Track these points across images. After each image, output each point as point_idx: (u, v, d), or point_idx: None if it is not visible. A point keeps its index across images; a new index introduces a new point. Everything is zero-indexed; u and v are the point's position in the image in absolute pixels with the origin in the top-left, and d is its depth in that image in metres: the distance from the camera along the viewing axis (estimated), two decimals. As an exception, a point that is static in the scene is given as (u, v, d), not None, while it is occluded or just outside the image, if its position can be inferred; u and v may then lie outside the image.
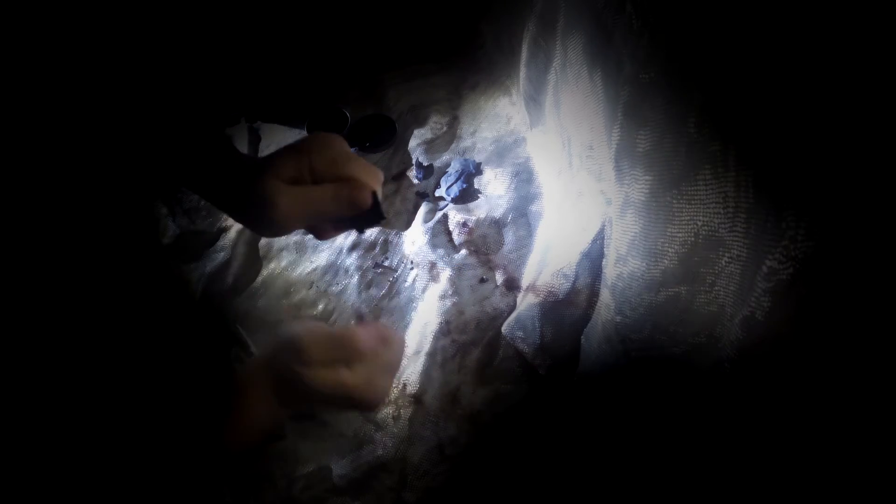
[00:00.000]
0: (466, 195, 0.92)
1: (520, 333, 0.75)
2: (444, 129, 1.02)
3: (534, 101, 0.88)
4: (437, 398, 0.75)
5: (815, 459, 0.39)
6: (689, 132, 0.44)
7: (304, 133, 1.03)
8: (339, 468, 0.73)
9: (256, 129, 1.09)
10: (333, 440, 0.75)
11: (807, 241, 0.35)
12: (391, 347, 0.44)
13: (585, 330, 0.70)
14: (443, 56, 1.11)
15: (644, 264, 0.53)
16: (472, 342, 0.79)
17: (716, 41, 0.40)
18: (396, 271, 0.87)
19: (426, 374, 0.76)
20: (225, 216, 0.97)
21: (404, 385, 0.76)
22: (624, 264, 0.56)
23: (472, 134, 1.01)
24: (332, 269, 0.89)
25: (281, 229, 0.43)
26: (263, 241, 0.94)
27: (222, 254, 0.91)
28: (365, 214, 0.43)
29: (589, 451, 0.66)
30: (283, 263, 0.91)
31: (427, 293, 0.84)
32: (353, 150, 1.01)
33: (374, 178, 0.43)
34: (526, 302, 0.76)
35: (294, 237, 0.93)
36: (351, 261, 0.89)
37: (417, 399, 0.75)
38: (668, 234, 0.49)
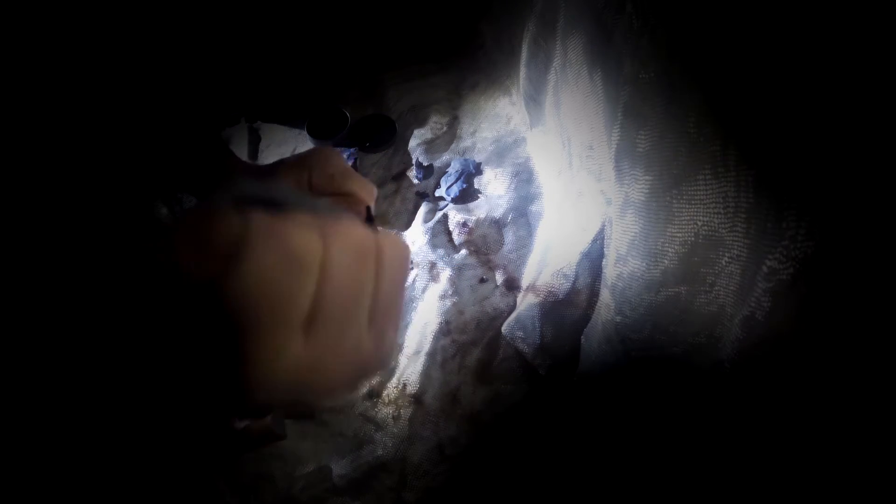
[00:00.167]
0: (466, 195, 0.92)
1: (520, 333, 0.75)
2: (444, 129, 1.02)
3: (534, 101, 0.88)
4: (437, 398, 0.75)
5: (815, 459, 0.39)
6: (689, 132, 0.44)
7: (304, 133, 1.03)
8: (339, 468, 0.73)
9: (256, 129, 1.09)
10: (333, 440, 0.75)
11: (807, 241, 0.35)
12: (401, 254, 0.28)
13: (585, 330, 0.70)
14: (443, 56, 1.11)
15: (644, 264, 0.53)
16: (472, 342, 0.79)
17: (716, 41, 0.40)
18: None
19: (426, 374, 0.76)
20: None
21: (404, 385, 0.76)
22: (624, 264, 0.56)
23: (472, 134, 1.01)
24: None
25: None
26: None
27: (222, 254, 0.91)
28: None
29: (589, 451, 0.66)
30: (283, 263, 0.91)
31: (427, 293, 0.84)
32: (353, 149, 1.01)
33: (368, 194, 0.45)
34: (526, 302, 0.76)
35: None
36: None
37: (417, 399, 0.75)
38: (668, 234, 0.49)
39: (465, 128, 1.02)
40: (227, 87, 1.07)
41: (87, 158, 0.45)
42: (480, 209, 0.90)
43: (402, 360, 0.79)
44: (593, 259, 0.70)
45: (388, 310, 0.24)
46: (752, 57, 0.37)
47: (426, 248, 0.86)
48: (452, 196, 0.91)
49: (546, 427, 0.71)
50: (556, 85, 0.75)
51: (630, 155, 0.52)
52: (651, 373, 0.56)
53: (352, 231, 0.22)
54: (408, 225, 0.92)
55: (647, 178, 0.50)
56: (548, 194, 0.89)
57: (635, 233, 0.54)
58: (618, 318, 0.58)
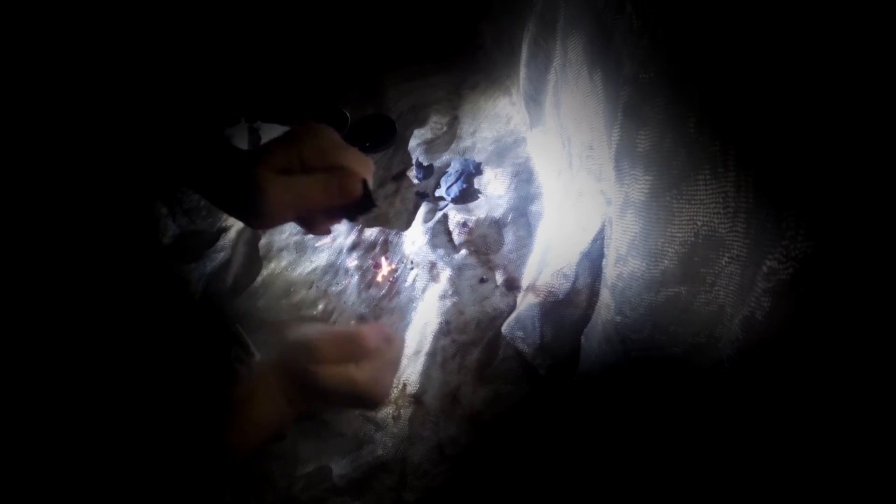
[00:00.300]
0: (466, 195, 0.92)
1: (520, 333, 0.75)
2: (444, 129, 1.02)
3: (534, 101, 0.88)
4: (437, 398, 0.75)
5: (815, 459, 0.39)
6: (689, 132, 0.44)
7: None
8: (339, 468, 0.73)
9: (256, 129, 1.09)
10: (333, 440, 0.75)
11: (807, 241, 0.35)
12: (393, 345, 0.48)
13: (585, 330, 0.70)
14: (443, 56, 1.11)
15: (644, 264, 0.53)
16: (472, 342, 0.79)
17: (716, 41, 0.40)
18: (396, 271, 0.87)
19: (426, 374, 0.76)
20: (225, 216, 0.97)
21: (404, 385, 0.76)
22: (624, 264, 0.56)
23: (472, 134, 1.01)
24: (332, 269, 0.89)
25: (272, 219, 0.43)
26: (263, 240, 0.94)
27: (222, 254, 0.91)
28: (356, 203, 0.43)
29: (589, 451, 0.66)
30: (284, 263, 0.91)
31: (427, 293, 0.84)
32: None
33: (364, 167, 0.43)
34: (526, 302, 0.76)
35: (294, 237, 0.93)
36: (351, 261, 0.89)
37: (417, 399, 0.75)
38: (668, 234, 0.49)
39: (465, 128, 1.02)
40: (227, 87, 1.07)
41: (89, 158, 0.44)
42: (480, 209, 0.90)
43: (403, 361, 0.79)
44: (593, 259, 0.70)
45: (379, 369, 0.46)
46: (753, 57, 0.37)
47: (426, 248, 0.86)
48: (452, 196, 0.91)
49: (546, 427, 0.71)
50: (556, 85, 0.75)
51: (630, 155, 0.52)
52: (651, 373, 0.56)
53: (372, 337, 0.47)
54: (408, 225, 0.92)
55: (647, 178, 0.50)
56: (548, 194, 0.89)
57: (635, 233, 0.54)
58: (618, 318, 0.58)
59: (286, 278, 0.90)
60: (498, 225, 0.88)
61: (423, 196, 0.94)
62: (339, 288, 0.88)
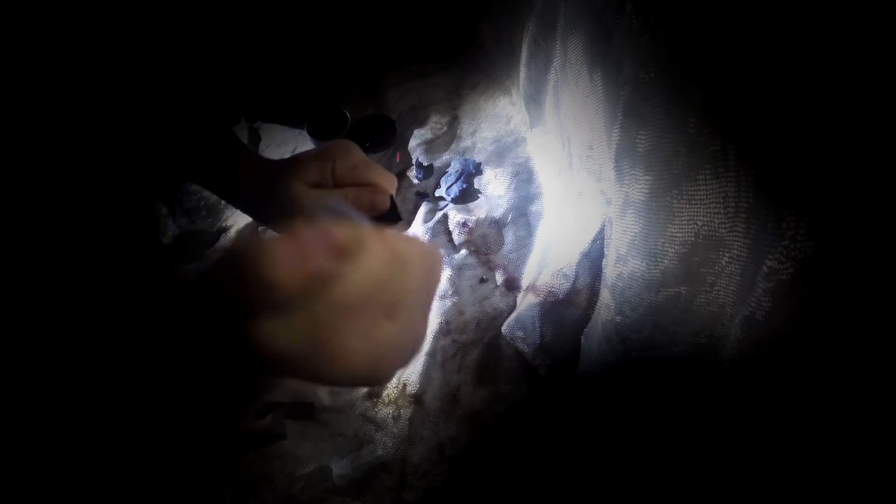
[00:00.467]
0: (466, 195, 0.92)
1: (520, 333, 0.75)
2: (444, 129, 1.02)
3: (534, 101, 0.88)
4: (437, 398, 0.75)
5: (815, 459, 0.39)
6: (689, 132, 0.44)
7: (304, 133, 1.03)
8: (339, 468, 0.73)
9: (256, 129, 1.09)
10: (333, 440, 0.75)
11: (807, 241, 0.35)
12: (435, 270, 0.28)
13: (585, 330, 0.70)
14: (443, 56, 1.11)
15: (644, 264, 0.53)
16: (472, 342, 0.79)
17: (716, 41, 0.40)
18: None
19: (426, 374, 0.76)
20: (225, 216, 0.97)
21: (404, 385, 0.76)
22: (624, 264, 0.56)
23: (472, 134, 1.01)
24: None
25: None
26: (263, 241, 0.94)
27: (222, 254, 0.91)
28: (383, 216, 0.46)
29: (589, 451, 0.66)
30: (283, 263, 0.91)
31: (427, 293, 0.84)
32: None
33: (390, 184, 0.47)
34: (526, 302, 0.76)
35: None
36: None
37: (417, 399, 0.75)
38: (668, 234, 0.49)
39: (465, 128, 1.02)
40: (228, 87, 1.07)
41: (89, 158, 0.45)
42: (480, 209, 0.90)
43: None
44: (593, 259, 0.70)
45: (429, 304, 0.28)
46: (753, 57, 0.37)
47: (426, 248, 0.86)
48: (452, 196, 0.91)
49: (546, 427, 0.71)
50: (556, 85, 0.75)
51: (630, 155, 0.52)
52: (651, 373, 0.56)
53: (409, 246, 0.26)
54: (408, 225, 0.92)
55: (647, 178, 0.50)
56: (548, 194, 0.89)
57: (635, 233, 0.54)
58: (618, 318, 0.58)
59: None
60: (498, 225, 0.88)
61: (423, 196, 0.94)
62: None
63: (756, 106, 0.38)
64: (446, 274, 0.83)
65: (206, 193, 0.99)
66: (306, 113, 1.03)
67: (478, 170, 0.94)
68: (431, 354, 0.77)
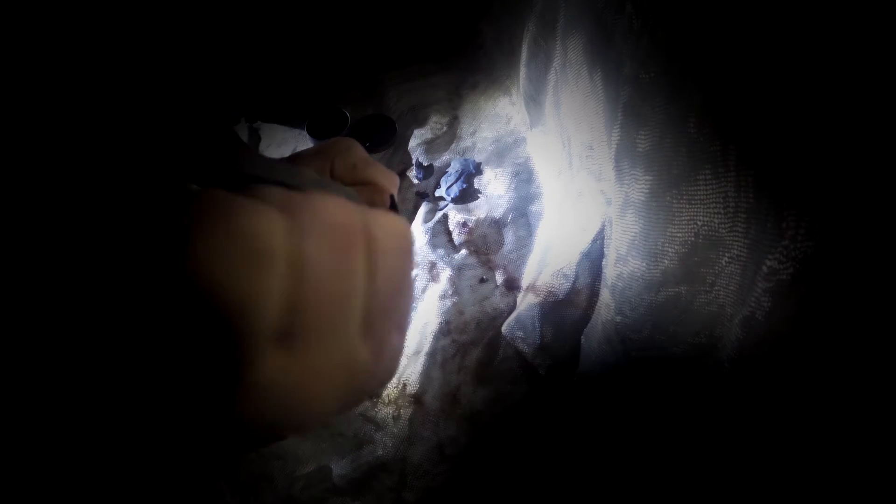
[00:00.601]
0: (466, 195, 0.92)
1: (520, 333, 0.75)
2: (444, 129, 1.02)
3: (534, 101, 0.88)
4: (437, 398, 0.75)
5: (815, 459, 0.39)
6: (689, 132, 0.44)
7: (304, 133, 1.03)
8: (339, 468, 0.73)
9: (256, 129, 1.09)
10: (333, 440, 0.75)
11: (807, 241, 0.35)
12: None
13: (585, 330, 0.70)
14: (443, 56, 1.11)
15: (644, 264, 0.53)
16: (472, 342, 0.79)
17: (716, 41, 0.40)
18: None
19: (426, 374, 0.76)
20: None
21: (404, 385, 0.76)
22: (624, 264, 0.56)
23: (472, 134, 1.01)
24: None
25: None
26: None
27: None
28: None
29: (589, 451, 0.66)
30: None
31: (427, 293, 0.84)
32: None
33: (391, 183, 0.46)
34: (526, 302, 0.76)
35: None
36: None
37: (417, 399, 0.75)
38: (668, 234, 0.49)
39: (465, 128, 1.02)
40: (228, 87, 1.07)
41: (90, 157, 0.44)
42: (480, 209, 0.90)
43: (403, 360, 0.79)
44: (593, 259, 0.70)
45: (387, 310, 0.19)
46: (752, 57, 0.37)
47: (426, 248, 0.86)
48: (452, 196, 0.91)
49: (546, 427, 0.71)
50: (556, 85, 0.75)
51: (630, 155, 0.52)
52: (651, 373, 0.56)
53: (332, 211, 0.16)
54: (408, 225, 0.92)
55: (647, 178, 0.50)
56: (548, 194, 0.89)
57: (635, 233, 0.54)
58: (618, 318, 0.58)
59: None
60: (498, 225, 0.88)
61: (423, 196, 0.94)
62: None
63: (756, 106, 0.38)
64: (446, 274, 0.83)
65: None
66: (306, 113, 1.03)
67: (478, 170, 0.94)
68: (431, 354, 0.77)
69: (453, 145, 1.00)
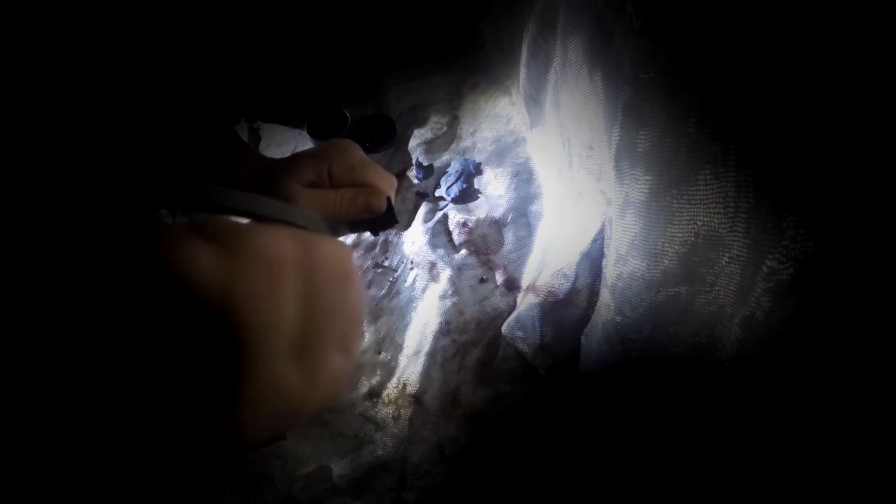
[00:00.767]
0: (466, 195, 0.92)
1: (520, 333, 0.75)
2: (444, 129, 1.02)
3: (534, 101, 0.88)
4: (437, 398, 0.75)
5: (815, 459, 0.39)
6: (689, 132, 0.44)
7: (304, 133, 1.03)
8: (339, 468, 0.73)
9: (256, 129, 1.09)
10: (333, 440, 0.75)
11: (807, 241, 0.35)
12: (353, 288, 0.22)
13: (585, 330, 0.70)
14: (443, 56, 1.11)
15: (644, 264, 0.53)
16: (472, 342, 0.79)
17: (716, 41, 0.40)
18: (396, 271, 0.87)
19: (426, 374, 0.76)
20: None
21: (404, 385, 0.76)
22: (624, 264, 0.56)
23: (472, 134, 1.01)
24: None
25: None
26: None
27: (222, 254, 0.91)
28: (379, 218, 0.45)
29: (589, 452, 0.66)
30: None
31: (427, 293, 0.84)
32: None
33: (389, 185, 0.46)
34: (526, 302, 0.76)
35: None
36: (351, 261, 0.89)
37: (417, 399, 0.75)
38: (668, 234, 0.49)
39: (465, 128, 1.02)
40: (228, 87, 1.07)
41: (90, 158, 0.45)
42: (480, 209, 0.90)
43: (402, 360, 0.79)
44: (593, 259, 0.70)
45: (325, 334, 0.19)
46: (753, 57, 0.37)
47: (426, 248, 0.86)
48: (452, 196, 0.91)
49: (546, 427, 0.71)
50: (556, 85, 0.75)
51: (630, 155, 0.52)
52: (651, 373, 0.56)
53: (265, 244, 0.18)
54: (408, 225, 0.92)
55: (647, 178, 0.50)
56: (548, 194, 0.89)
57: (635, 233, 0.54)
58: (618, 318, 0.58)
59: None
60: (498, 225, 0.88)
61: (423, 196, 0.94)
62: (339, 288, 0.87)
63: (756, 106, 0.38)
64: (446, 274, 0.83)
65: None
66: (306, 113, 1.03)
67: (478, 170, 0.94)
68: (431, 354, 0.77)
69: (453, 145, 1.00)
